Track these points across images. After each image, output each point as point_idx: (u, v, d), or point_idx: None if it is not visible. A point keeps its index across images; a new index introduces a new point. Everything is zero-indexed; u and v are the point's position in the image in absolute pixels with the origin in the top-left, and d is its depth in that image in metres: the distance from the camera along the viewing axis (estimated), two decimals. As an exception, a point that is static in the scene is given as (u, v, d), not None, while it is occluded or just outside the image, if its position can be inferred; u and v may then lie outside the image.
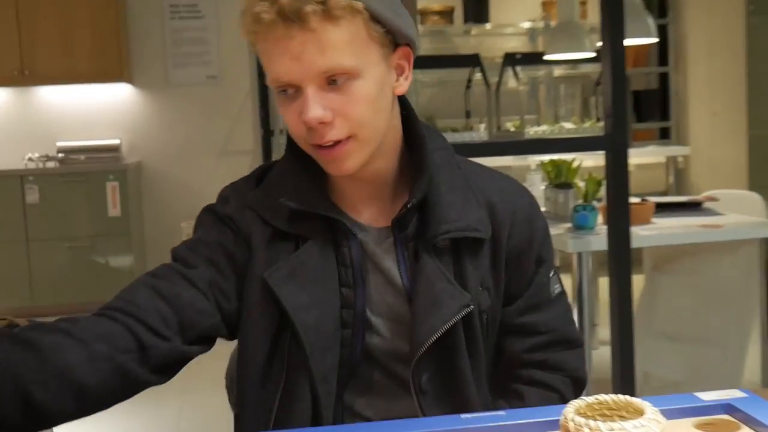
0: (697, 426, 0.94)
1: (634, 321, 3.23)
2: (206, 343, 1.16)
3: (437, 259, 1.15)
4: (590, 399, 0.91)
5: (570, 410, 0.88)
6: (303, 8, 1.01)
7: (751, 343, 3.03)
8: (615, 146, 2.26)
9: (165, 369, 1.11)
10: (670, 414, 0.95)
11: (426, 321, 1.13)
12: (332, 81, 1.06)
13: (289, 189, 1.17)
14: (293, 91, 1.08)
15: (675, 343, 3.05)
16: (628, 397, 0.92)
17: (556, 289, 1.25)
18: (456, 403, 1.15)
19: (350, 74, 1.06)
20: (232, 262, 1.17)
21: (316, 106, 1.05)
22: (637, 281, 3.45)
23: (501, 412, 0.97)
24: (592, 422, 0.84)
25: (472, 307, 1.13)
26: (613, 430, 0.83)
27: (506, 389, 1.24)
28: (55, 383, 0.98)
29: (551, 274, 1.25)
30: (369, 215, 1.21)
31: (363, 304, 1.17)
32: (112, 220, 5.30)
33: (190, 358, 1.14)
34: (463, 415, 0.96)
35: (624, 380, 2.30)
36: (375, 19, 1.07)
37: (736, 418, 0.95)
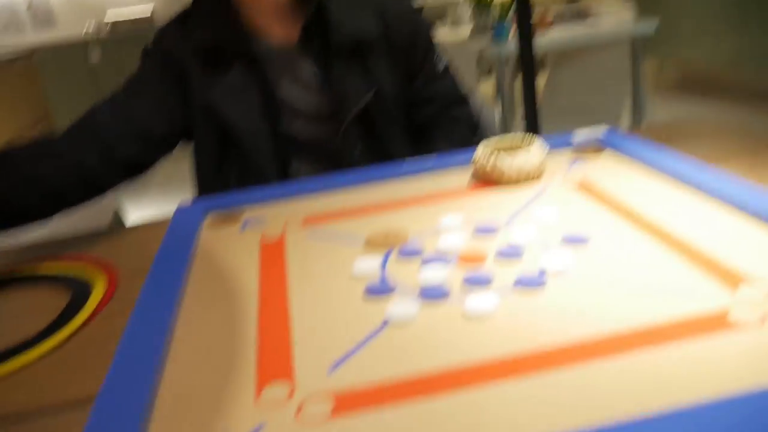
0: (573, 152, 0.94)
1: (540, 103, 3.23)
2: (162, 150, 1.08)
3: (344, 61, 1.07)
4: (494, 139, 0.91)
5: (479, 148, 0.88)
6: None
7: (624, 113, 3.05)
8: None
9: (129, 173, 1.03)
10: (552, 146, 0.96)
11: (341, 111, 1.08)
12: None
13: (208, 23, 1.07)
14: None
15: (569, 115, 3.06)
16: (522, 134, 0.91)
17: (443, 63, 1.18)
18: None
19: None
20: (176, 85, 1.07)
21: None
22: (544, 77, 3.40)
23: (431, 157, 0.96)
24: (494, 155, 0.85)
25: (371, 93, 1.08)
26: (508, 159, 0.83)
27: (420, 144, 1.18)
28: (32, 190, 0.91)
29: (436, 54, 1.17)
30: (281, 37, 1.09)
31: (284, 108, 1.10)
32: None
33: (151, 163, 1.07)
34: (404, 162, 0.96)
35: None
36: None
37: (601, 146, 0.95)
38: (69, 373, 0.61)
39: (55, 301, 0.75)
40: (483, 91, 3.40)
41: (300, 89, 1.10)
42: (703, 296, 0.54)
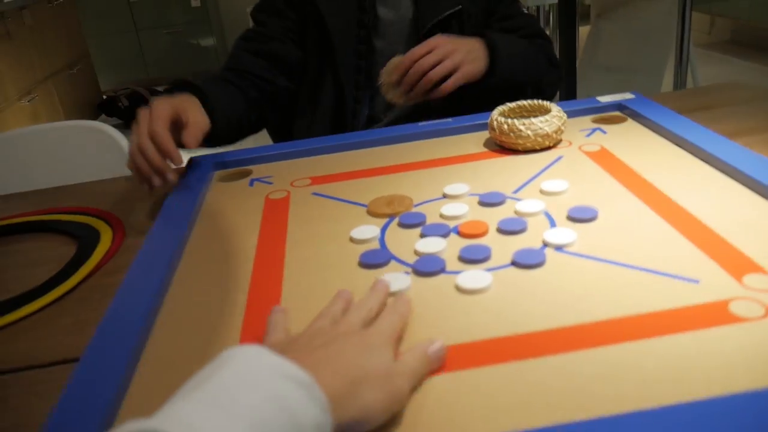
0: (594, 120, 0.90)
1: (581, 59, 3.11)
2: (300, 74, 1.12)
3: None
4: (512, 104, 0.87)
5: (495, 112, 0.85)
6: None
7: (667, 71, 2.92)
8: None
9: (281, 106, 1.11)
10: (573, 113, 0.92)
11: (426, 15, 1.08)
12: None
13: None
14: None
15: (611, 73, 2.95)
16: (539, 100, 0.87)
17: (523, 10, 1.17)
18: None
19: None
20: (290, 6, 1.11)
21: None
22: (586, 30, 3.27)
23: (449, 119, 0.93)
24: (510, 120, 0.81)
25: (460, 6, 1.08)
26: (524, 124, 0.80)
27: None
28: (250, 113, 1.04)
29: None
30: None
31: (375, 17, 1.10)
32: (195, 10, 5.07)
33: (297, 89, 1.12)
34: (420, 123, 0.93)
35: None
36: None
37: (624, 114, 0.91)
38: (64, 328, 0.61)
39: (61, 252, 0.76)
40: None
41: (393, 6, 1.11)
42: (706, 284, 0.51)
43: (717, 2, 4.15)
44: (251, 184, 0.83)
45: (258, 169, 0.87)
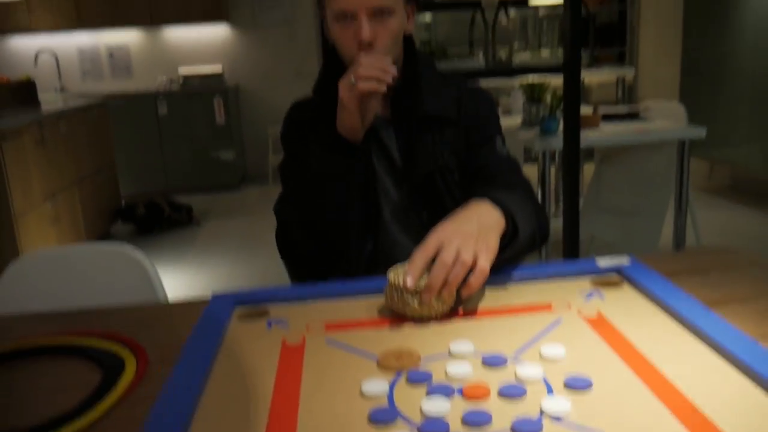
0: (593, 282, 0.96)
1: (585, 199, 3.22)
2: None
3: (420, 130, 1.18)
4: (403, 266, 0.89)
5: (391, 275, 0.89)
6: None
7: (667, 216, 3.02)
8: (569, 69, 2.21)
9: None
10: (574, 274, 0.98)
11: (414, 170, 1.18)
12: (377, 13, 1.09)
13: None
14: (349, 19, 1.09)
15: (613, 215, 3.05)
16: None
17: (504, 151, 1.23)
18: None
19: (389, 11, 1.10)
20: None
21: (368, 28, 1.08)
22: (590, 171, 3.41)
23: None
24: (399, 291, 0.86)
25: (439, 161, 1.17)
26: (411, 294, 0.85)
27: None
28: None
29: (499, 140, 1.23)
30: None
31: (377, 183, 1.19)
32: (219, 127, 5.33)
33: None
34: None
35: (572, 241, 2.31)
36: None
37: (621, 277, 0.97)
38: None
39: (88, 379, 0.80)
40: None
41: (385, 160, 1.20)
42: (692, 466, 0.55)
43: (715, 150, 4.35)
44: (269, 325, 0.88)
45: (275, 310, 0.93)
